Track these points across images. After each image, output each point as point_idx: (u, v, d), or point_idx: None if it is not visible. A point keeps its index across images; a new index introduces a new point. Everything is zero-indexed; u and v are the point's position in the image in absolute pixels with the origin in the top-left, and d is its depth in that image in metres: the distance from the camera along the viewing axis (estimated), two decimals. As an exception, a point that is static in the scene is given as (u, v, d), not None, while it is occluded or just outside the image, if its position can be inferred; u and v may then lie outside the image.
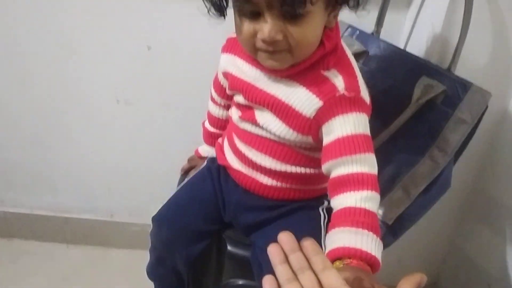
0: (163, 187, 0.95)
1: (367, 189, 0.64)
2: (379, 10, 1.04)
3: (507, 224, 1.09)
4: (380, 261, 0.61)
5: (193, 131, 1.07)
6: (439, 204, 0.93)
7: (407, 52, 0.96)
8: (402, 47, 1.07)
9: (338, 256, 0.60)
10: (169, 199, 0.90)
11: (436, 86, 0.87)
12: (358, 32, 1.05)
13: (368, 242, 0.60)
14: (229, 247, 0.86)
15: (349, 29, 1.07)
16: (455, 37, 0.87)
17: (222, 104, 0.96)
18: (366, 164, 0.66)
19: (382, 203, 0.87)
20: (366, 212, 0.63)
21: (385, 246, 0.88)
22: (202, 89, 1.01)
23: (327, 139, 0.70)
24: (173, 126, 1.31)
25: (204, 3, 0.70)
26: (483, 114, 0.85)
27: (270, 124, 0.75)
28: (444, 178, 0.88)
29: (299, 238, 0.49)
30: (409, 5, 1.09)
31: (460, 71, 0.89)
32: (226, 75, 0.84)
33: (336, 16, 0.71)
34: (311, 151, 0.78)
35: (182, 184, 0.93)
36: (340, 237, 0.61)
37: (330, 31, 0.71)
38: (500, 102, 1.05)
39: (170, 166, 1.06)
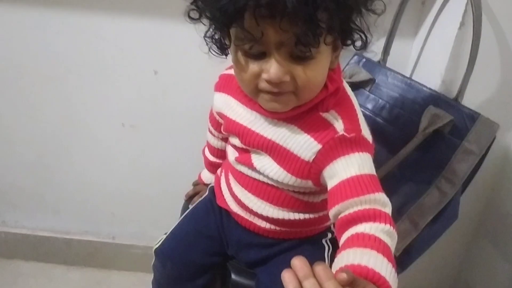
0: (166, 211, 0.94)
1: (381, 223, 0.58)
2: (386, 39, 1.05)
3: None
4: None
5: (197, 156, 1.06)
6: (447, 232, 0.92)
7: (414, 81, 0.96)
8: (408, 75, 1.08)
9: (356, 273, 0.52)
10: (172, 231, 0.89)
11: (444, 116, 0.87)
12: (364, 60, 1.05)
13: (378, 263, 0.52)
14: (233, 276, 0.85)
15: (356, 57, 1.07)
16: (463, 67, 0.88)
17: (220, 137, 0.94)
18: (378, 203, 0.61)
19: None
20: (379, 240, 0.56)
21: (392, 277, 0.88)
22: (207, 115, 1.01)
23: (331, 183, 0.65)
24: (178, 151, 1.31)
25: (206, 42, 0.67)
26: (491, 145, 0.85)
27: (267, 168, 0.72)
28: (451, 209, 0.87)
29: None
30: (415, 34, 1.10)
31: (468, 101, 0.89)
32: (220, 115, 0.81)
33: (338, 57, 0.68)
34: (310, 196, 0.76)
35: (185, 213, 0.92)
36: (346, 257, 0.54)
37: (333, 73, 0.69)
38: (508, 133, 1.04)
39: (173, 190, 1.05)
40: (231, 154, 0.80)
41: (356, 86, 1.02)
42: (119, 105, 1.26)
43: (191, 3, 0.64)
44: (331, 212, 0.64)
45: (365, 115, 0.96)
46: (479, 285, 1.23)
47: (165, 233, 0.90)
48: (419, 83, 0.96)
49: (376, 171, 0.87)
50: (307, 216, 0.77)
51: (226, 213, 0.85)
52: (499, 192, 1.13)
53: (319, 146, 0.67)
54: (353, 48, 0.66)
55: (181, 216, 0.94)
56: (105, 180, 1.38)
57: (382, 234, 0.57)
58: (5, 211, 1.46)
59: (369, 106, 0.99)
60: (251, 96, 0.68)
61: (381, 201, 0.62)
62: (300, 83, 0.62)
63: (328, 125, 0.67)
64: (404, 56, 1.10)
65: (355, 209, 0.60)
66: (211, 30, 0.65)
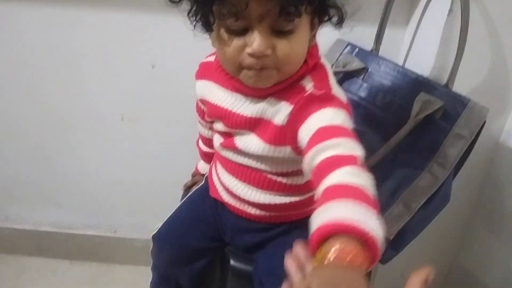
0: (167, 203, 0.95)
1: (345, 166, 0.54)
2: (377, 28, 1.06)
3: (510, 238, 1.10)
4: (380, 240, 0.47)
5: (196, 148, 1.08)
6: (441, 218, 0.93)
7: (406, 69, 0.98)
8: (401, 64, 1.09)
9: (321, 238, 0.47)
10: (169, 217, 0.91)
11: (435, 102, 0.89)
12: (357, 49, 1.07)
13: (357, 212, 0.47)
14: (231, 262, 0.87)
15: (349, 47, 1.09)
16: (453, 53, 0.89)
17: (208, 126, 0.95)
18: (341, 147, 0.58)
19: (382, 218, 0.88)
20: (349, 186, 0.51)
21: (387, 260, 0.90)
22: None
23: (306, 139, 0.63)
24: (177, 142, 1.32)
25: (190, 20, 0.68)
26: (481, 129, 0.87)
27: (248, 144, 0.73)
28: (443, 192, 0.88)
29: None
30: (407, 22, 1.11)
31: (458, 87, 0.91)
32: (203, 102, 0.82)
33: (315, 35, 0.70)
34: (293, 178, 0.76)
35: (182, 200, 0.94)
36: (319, 218, 0.49)
37: (312, 49, 0.70)
38: (498, 117, 1.06)
39: (173, 182, 1.07)
40: (217, 141, 0.82)
41: (349, 75, 1.04)
42: (118, 98, 1.28)
43: None
44: (306, 163, 0.61)
45: (358, 103, 1.00)
46: (475, 270, 1.24)
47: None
48: (410, 70, 0.98)
49: (370, 157, 0.90)
50: (293, 199, 0.79)
51: (220, 203, 0.87)
52: (491, 176, 1.15)
53: (290, 108, 0.67)
54: (331, 24, 0.68)
55: (179, 205, 0.96)
56: (105, 173, 1.40)
57: (349, 177, 0.53)
58: (7, 206, 1.49)
59: (363, 94, 1.01)
60: (233, 73, 0.69)
61: (347, 145, 0.59)
62: (281, 57, 0.63)
63: (298, 88, 0.68)
64: (396, 45, 1.12)
65: (320, 158, 0.58)
66: (194, 8, 0.66)
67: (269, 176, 0.76)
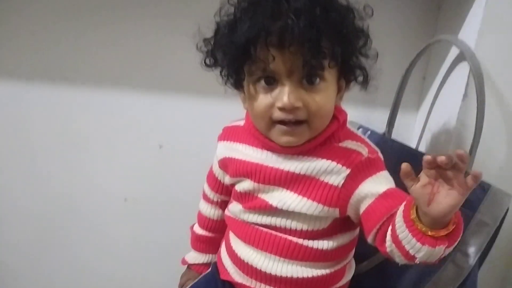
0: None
1: None
2: (390, 112, 1.06)
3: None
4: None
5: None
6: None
7: (420, 152, 0.96)
8: (414, 147, 1.07)
9: None
10: None
11: (454, 187, 0.85)
12: (369, 132, 1.06)
13: None
14: None
15: (361, 129, 1.08)
16: (469, 138, 0.87)
17: (215, 200, 0.91)
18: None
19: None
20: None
21: None
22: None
23: (364, 205, 0.67)
24: (183, 226, 1.27)
25: (221, 76, 0.71)
26: (505, 215, 0.83)
27: (287, 201, 0.71)
28: (470, 284, 0.82)
29: None
30: (418, 107, 1.12)
31: (476, 172, 0.88)
32: (226, 161, 0.80)
33: (341, 97, 0.74)
34: (323, 243, 0.73)
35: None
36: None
37: (338, 107, 0.74)
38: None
39: (176, 269, 1.00)
40: (235, 207, 0.78)
41: (362, 158, 1.01)
42: (123, 179, 1.25)
43: (206, 46, 0.71)
44: (373, 231, 0.65)
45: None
46: None
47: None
48: (425, 153, 0.95)
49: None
50: (319, 272, 0.73)
51: (230, 287, 0.81)
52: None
53: (348, 171, 0.68)
54: (356, 83, 0.72)
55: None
56: (103, 263, 1.34)
57: None
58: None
59: (376, 178, 0.98)
60: (264, 130, 0.70)
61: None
62: (311, 110, 0.66)
63: (352, 151, 0.70)
64: (408, 128, 1.12)
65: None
66: (226, 67, 0.70)
67: (296, 239, 0.72)
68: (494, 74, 0.91)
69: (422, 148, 1.08)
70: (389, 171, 0.95)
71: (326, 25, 0.62)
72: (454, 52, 0.98)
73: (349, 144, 0.72)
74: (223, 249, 0.83)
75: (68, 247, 1.33)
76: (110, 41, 1.13)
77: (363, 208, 0.67)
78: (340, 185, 0.68)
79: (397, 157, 0.97)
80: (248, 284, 0.76)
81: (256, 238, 0.74)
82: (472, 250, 0.82)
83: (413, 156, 0.95)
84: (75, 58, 1.14)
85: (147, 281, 1.35)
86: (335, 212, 0.70)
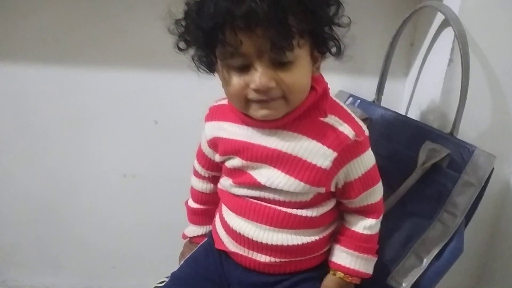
0: (168, 263, 0.92)
1: (373, 218, 0.79)
2: (378, 79, 1.08)
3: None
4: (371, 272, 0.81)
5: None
6: (455, 270, 0.90)
7: (409, 118, 0.98)
8: (403, 113, 1.10)
9: (339, 270, 0.79)
10: (173, 273, 0.86)
11: (441, 150, 0.88)
12: (359, 100, 1.08)
13: (365, 264, 0.79)
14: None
15: (351, 98, 1.10)
16: (455, 102, 0.89)
17: (206, 176, 0.93)
18: (377, 193, 0.79)
19: (395, 271, 0.85)
20: (368, 237, 0.79)
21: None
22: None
23: (343, 183, 0.75)
24: (180, 201, 1.30)
25: (194, 62, 0.71)
26: (489, 176, 0.85)
27: (275, 180, 0.72)
28: (456, 242, 0.85)
29: None
30: (407, 73, 1.13)
31: (462, 135, 0.90)
32: (215, 141, 0.81)
33: (319, 68, 0.73)
34: (308, 210, 0.75)
35: (186, 258, 0.90)
36: (343, 256, 0.79)
37: (317, 77, 0.73)
38: (505, 163, 1.05)
39: (175, 242, 1.03)
40: (226, 182, 0.81)
41: (352, 126, 1.04)
42: (121, 156, 1.28)
43: (178, 29, 0.69)
44: (348, 205, 0.79)
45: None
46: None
47: (167, 276, 0.88)
48: (414, 119, 0.98)
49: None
50: (308, 239, 0.76)
51: (225, 255, 0.84)
52: (503, 223, 1.12)
53: (335, 154, 0.71)
54: (331, 55, 0.71)
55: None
56: (105, 233, 1.37)
57: (371, 229, 0.79)
58: (5, 269, 1.44)
59: (367, 144, 1.00)
60: (242, 109, 0.71)
61: (379, 190, 0.80)
62: (285, 87, 0.66)
63: (339, 133, 0.71)
64: (397, 95, 1.13)
65: (360, 204, 0.78)
66: (198, 52, 0.70)
67: (284, 209, 0.74)
68: (478, 38, 0.92)
69: (410, 115, 1.10)
70: (379, 138, 0.99)
71: (291, 3, 0.60)
72: (439, 18, 0.99)
73: (335, 122, 0.72)
74: (217, 220, 0.86)
75: (69, 223, 1.37)
76: (105, 17, 1.13)
77: (344, 186, 0.76)
78: (328, 168, 0.71)
79: (387, 124, 1.00)
80: (241, 253, 0.79)
81: (247, 209, 0.77)
82: (458, 210, 0.84)
83: (403, 123, 0.98)
84: (69, 35, 1.14)
85: (147, 254, 1.39)
86: (321, 190, 0.74)
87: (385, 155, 0.96)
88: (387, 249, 0.87)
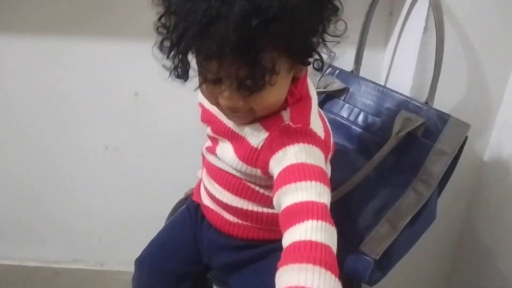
0: (153, 234, 0.94)
1: (313, 219, 0.57)
2: (356, 49, 1.07)
3: (500, 254, 1.08)
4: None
5: (182, 177, 1.05)
6: (431, 238, 0.92)
7: (387, 88, 0.98)
8: (382, 83, 1.10)
9: None
10: (151, 240, 0.89)
11: (415, 119, 0.88)
12: (338, 71, 1.07)
13: (312, 278, 0.52)
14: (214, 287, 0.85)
15: (330, 69, 1.09)
16: (430, 71, 0.89)
17: None
18: (313, 192, 0.59)
19: (368, 238, 0.87)
20: (313, 245, 0.54)
21: (375, 282, 0.88)
22: (190, 134, 1.02)
23: (275, 172, 0.65)
24: (163, 171, 1.31)
25: (166, 67, 0.67)
26: (463, 145, 0.86)
27: (224, 154, 0.75)
28: (429, 210, 0.87)
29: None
30: (386, 43, 1.12)
31: (438, 104, 0.91)
32: (201, 105, 0.83)
33: (301, 70, 0.68)
34: (267, 190, 0.75)
35: (165, 224, 0.93)
36: (284, 279, 0.53)
37: (294, 86, 0.68)
38: (481, 134, 1.06)
39: (159, 212, 1.05)
40: (205, 144, 0.84)
41: (331, 96, 1.04)
42: (102, 128, 1.27)
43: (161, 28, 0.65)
44: (274, 201, 0.63)
45: (341, 123, 0.99)
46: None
47: (147, 246, 0.90)
48: (391, 89, 0.98)
49: (354, 176, 0.89)
50: (265, 210, 0.77)
51: (201, 215, 0.87)
52: (479, 193, 1.14)
53: (266, 134, 0.68)
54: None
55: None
56: (91, 205, 1.39)
57: (315, 233, 0.55)
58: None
59: (344, 114, 1.00)
60: (213, 105, 0.69)
61: (317, 190, 0.60)
62: (255, 105, 0.64)
63: (278, 116, 0.69)
64: (376, 66, 1.13)
65: (291, 200, 0.59)
66: (173, 57, 0.64)
67: (248, 183, 0.75)
68: (455, 7, 0.92)
69: (389, 85, 1.10)
70: (356, 107, 0.99)
71: (265, 37, 0.54)
72: (417, -14, 0.98)
73: (285, 111, 0.69)
74: (202, 174, 0.88)
75: (52, 197, 1.38)
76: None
77: (275, 175, 0.65)
78: (259, 147, 0.69)
79: (364, 94, 1.01)
80: (212, 207, 0.83)
81: (216, 174, 0.80)
82: (432, 178, 0.86)
83: (380, 92, 0.98)
84: (47, 6, 1.13)
85: (131, 225, 1.40)
86: (257, 172, 0.71)
87: (362, 126, 0.97)
88: (361, 217, 0.88)
